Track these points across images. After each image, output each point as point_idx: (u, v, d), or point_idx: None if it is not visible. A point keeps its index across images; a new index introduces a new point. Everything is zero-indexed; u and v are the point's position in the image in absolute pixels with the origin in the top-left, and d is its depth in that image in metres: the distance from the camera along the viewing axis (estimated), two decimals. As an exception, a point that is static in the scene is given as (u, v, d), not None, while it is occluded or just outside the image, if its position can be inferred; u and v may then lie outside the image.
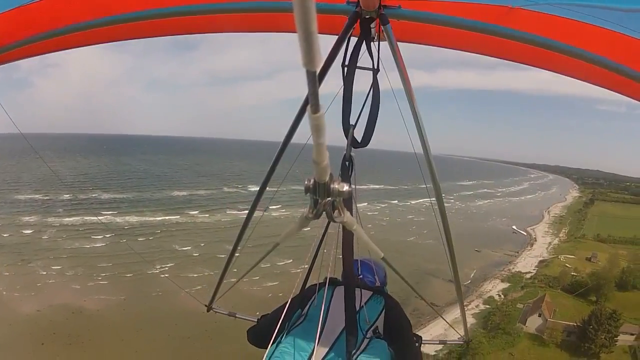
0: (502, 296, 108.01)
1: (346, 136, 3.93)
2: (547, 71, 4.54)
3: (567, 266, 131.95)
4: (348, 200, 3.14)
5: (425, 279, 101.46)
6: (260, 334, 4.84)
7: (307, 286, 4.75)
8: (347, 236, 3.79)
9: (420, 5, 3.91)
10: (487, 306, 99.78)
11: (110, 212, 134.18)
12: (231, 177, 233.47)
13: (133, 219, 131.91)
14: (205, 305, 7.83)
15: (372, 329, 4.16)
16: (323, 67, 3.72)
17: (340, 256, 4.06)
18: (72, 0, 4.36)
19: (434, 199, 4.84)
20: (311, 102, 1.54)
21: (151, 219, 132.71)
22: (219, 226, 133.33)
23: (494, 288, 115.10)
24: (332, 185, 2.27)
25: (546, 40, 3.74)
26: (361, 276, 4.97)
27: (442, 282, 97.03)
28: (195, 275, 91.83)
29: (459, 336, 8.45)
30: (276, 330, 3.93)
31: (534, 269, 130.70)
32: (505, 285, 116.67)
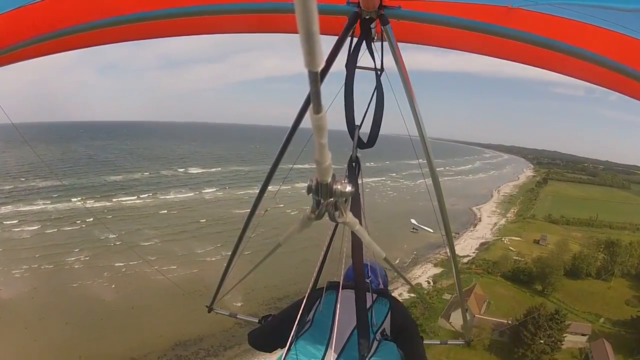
0: (432, 283, 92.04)
1: (352, 137, 3.88)
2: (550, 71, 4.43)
3: (510, 249, 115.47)
4: (356, 201, 3.32)
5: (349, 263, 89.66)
6: (264, 338, 4.65)
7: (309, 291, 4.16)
8: (357, 239, 3.66)
9: (420, 6, 3.80)
10: (412, 295, 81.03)
11: (43, 201, 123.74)
12: (174, 160, 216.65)
13: (64, 206, 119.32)
14: (206, 306, 7.43)
15: (380, 331, 3.94)
16: (324, 67, 3.35)
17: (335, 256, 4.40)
18: (74, 1, 4.24)
19: (434, 198, 4.64)
20: (313, 102, 1.46)
21: (81, 205, 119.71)
22: (145, 212, 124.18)
23: (424, 274, 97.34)
24: (334, 186, 2.22)
25: (546, 40, 3.59)
26: (369, 279, 4.52)
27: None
28: (107, 264, 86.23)
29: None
30: (291, 335, 3.62)
31: (473, 252, 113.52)
32: (438, 270, 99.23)
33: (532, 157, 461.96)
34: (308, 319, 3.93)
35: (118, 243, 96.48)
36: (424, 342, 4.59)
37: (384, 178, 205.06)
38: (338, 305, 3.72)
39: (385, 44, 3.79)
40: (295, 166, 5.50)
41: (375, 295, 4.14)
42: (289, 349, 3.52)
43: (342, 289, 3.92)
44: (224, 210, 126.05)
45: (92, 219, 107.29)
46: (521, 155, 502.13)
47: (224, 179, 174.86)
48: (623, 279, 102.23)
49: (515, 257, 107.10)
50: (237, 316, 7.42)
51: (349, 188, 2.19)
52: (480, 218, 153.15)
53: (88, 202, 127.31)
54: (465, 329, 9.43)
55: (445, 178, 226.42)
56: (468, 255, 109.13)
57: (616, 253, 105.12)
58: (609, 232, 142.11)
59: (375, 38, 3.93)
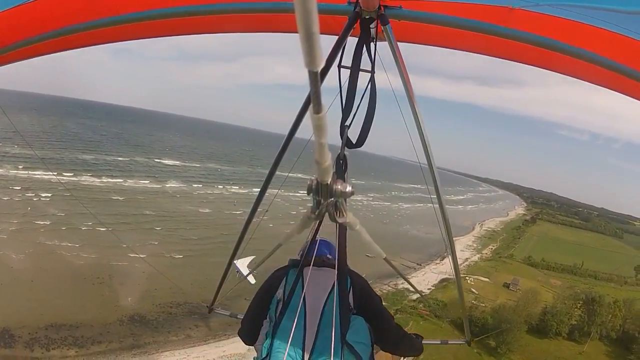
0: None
1: (341, 136, 3.80)
2: (539, 68, 4.44)
3: (472, 291, 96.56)
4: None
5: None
6: (252, 332, 4.34)
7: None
8: (341, 231, 3.77)
9: (421, 6, 3.80)
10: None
11: (8, 167, 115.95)
12: (156, 150, 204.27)
13: (25, 175, 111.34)
14: (207, 307, 7.69)
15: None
16: (324, 67, 2.81)
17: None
18: (72, 1, 4.21)
19: (434, 198, 4.80)
20: (313, 102, 1.46)
21: (37, 176, 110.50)
22: (97, 195, 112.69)
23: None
24: (334, 186, 2.26)
25: (547, 40, 3.58)
26: (330, 256, 4.47)
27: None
28: (33, 239, 78.59)
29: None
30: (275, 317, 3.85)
31: (428, 289, 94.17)
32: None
33: (527, 196, 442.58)
34: (279, 299, 3.89)
35: (52, 221, 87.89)
36: (424, 341, 4.65)
37: (369, 198, 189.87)
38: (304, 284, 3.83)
39: (383, 43, 3.69)
40: (291, 174, 5.54)
41: (336, 272, 3.92)
42: (274, 333, 3.55)
43: (305, 266, 3.95)
44: (177, 205, 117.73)
45: (48, 194, 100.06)
46: (517, 192, 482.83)
47: (197, 175, 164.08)
48: (600, 343, 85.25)
49: (473, 302, 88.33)
50: (238, 316, 6.66)
51: (349, 188, 2.25)
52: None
53: (48, 175, 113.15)
54: (466, 330, 7.39)
55: (430, 205, 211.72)
56: (422, 292, 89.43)
57: (596, 312, 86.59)
58: (593, 282, 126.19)
59: (376, 38, 3.73)
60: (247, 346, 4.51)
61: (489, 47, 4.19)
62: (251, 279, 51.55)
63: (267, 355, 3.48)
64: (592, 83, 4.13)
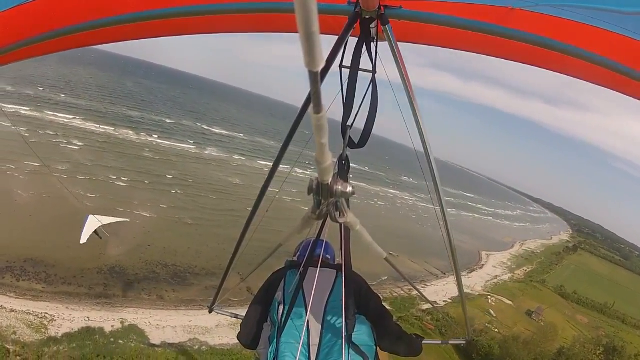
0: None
1: (343, 136, 3.92)
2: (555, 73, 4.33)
3: (489, 313, 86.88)
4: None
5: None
6: (252, 337, 4.33)
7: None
8: (346, 232, 3.82)
9: (421, 6, 3.83)
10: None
11: (47, 111, 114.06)
12: (208, 118, 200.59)
13: (61, 120, 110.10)
14: (207, 307, 7.79)
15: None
16: (324, 67, 3.32)
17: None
18: (72, 1, 4.20)
19: (439, 200, 4.64)
20: (313, 102, 1.47)
21: (74, 124, 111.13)
22: (128, 150, 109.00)
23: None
24: (335, 186, 2.27)
25: (547, 40, 3.64)
26: (328, 256, 4.68)
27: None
28: (47, 181, 71.67)
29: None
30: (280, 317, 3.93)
31: (443, 301, 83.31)
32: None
33: (574, 223, 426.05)
34: (279, 301, 3.92)
35: (73, 168, 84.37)
36: (424, 342, 4.58)
37: (416, 199, 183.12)
38: (303, 285, 3.88)
39: (383, 43, 3.69)
40: (292, 172, 6.05)
41: (335, 272, 4.12)
42: (279, 336, 3.61)
43: (301, 266, 4.01)
44: (207, 172, 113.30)
45: (80, 143, 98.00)
46: (565, 218, 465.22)
47: (241, 147, 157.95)
48: (613, 399, 73.93)
49: (486, 324, 79.11)
50: (239, 316, 6.20)
51: (349, 188, 2.25)
52: (482, 265, 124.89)
53: (88, 124, 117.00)
54: (467, 329, 7.56)
55: (477, 216, 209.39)
56: (435, 302, 79.78)
57: (615, 365, 76.14)
58: (619, 326, 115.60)
59: (376, 38, 3.73)
60: (250, 350, 4.39)
61: (489, 47, 4.15)
62: (83, 238, 44.76)
63: (273, 359, 3.48)
64: (592, 83, 4.01)
